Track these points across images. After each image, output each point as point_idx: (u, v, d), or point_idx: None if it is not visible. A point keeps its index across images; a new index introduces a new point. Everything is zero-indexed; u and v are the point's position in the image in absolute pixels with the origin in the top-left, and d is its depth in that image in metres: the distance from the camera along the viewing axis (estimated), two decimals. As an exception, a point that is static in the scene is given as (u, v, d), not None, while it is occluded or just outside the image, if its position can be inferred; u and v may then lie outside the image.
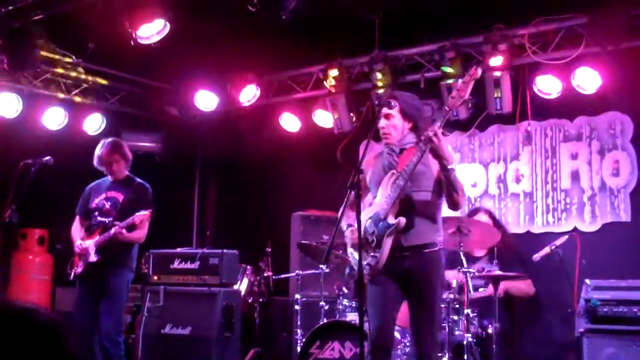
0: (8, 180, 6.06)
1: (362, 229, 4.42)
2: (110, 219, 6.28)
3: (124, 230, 6.09)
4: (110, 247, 6.18)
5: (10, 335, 1.11)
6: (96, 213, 6.39)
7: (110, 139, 6.61)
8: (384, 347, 4.46)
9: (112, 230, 6.12)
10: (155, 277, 7.38)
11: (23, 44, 7.27)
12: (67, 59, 8.15)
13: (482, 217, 6.75)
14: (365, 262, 4.39)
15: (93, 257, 6.19)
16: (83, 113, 8.74)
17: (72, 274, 6.33)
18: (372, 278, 4.49)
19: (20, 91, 8.19)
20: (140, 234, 6.30)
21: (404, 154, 4.56)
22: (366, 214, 4.58)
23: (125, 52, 7.23)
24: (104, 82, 8.79)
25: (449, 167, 4.33)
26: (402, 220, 4.39)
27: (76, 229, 6.52)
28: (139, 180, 6.50)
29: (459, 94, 4.38)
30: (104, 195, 6.44)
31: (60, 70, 8.32)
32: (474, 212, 7.03)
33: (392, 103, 4.60)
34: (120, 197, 6.38)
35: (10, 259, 7.56)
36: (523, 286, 6.51)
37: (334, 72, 7.99)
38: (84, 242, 6.27)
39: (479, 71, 4.52)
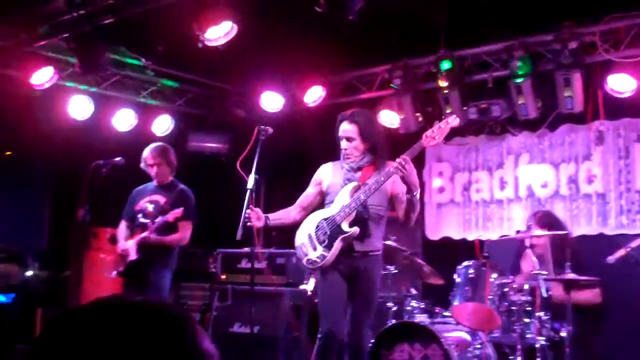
0: (80, 181, 6.21)
1: (315, 226, 5.25)
2: (154, 221, 6.47)
3: (152, 235, 6.32)
4: (150, 247, 6.38)
5: (142, 331, 1.12)
6: (140, 215, 6.60)
7: (158, 144, 6.82)
8: (339, 339, 5.06)
9: (141, 235, 6.35)
10: (224, 277, 7.46)
11: (93, 47, 7.42)
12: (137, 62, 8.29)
13: (536, 232, 6.48)
14: (314, 257, 5.17)
15: (133, 256, 6.40)
16: (152, 115, 8.89)
17: (115, 272, 6.55)
18: (323, 274, 5.19)
19: (91, 93, 8.36)
20: (177, 237, 6.46)
21: (362, 171, 5.28)
22: (320, 215, 5.30)
23: (193, 55, 7.31)
24: (172, 84, 8.92)
25: (415, 192, 5.02)
26: (357, 230, 5.07)
27: (121, 232, 6.75)
28: (182, 186, 6.67)
29: (434, 137, 5.02)
30: (147, 199, 6.65)
31: (129, 73, 8.48)
32: (529, 222, 6.71)
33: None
34: (162, 200, 6.56)
35: (82, 257, 7.74)
36: (589, 295, 6.31)
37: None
38: (126, 243, 6.50)
39: (457, 121, 5.17)
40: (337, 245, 5.08)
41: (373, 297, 5.20)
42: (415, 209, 5.12)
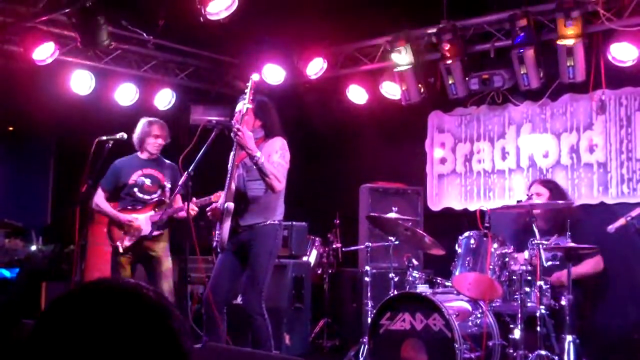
0: (83, 156, 6.24)
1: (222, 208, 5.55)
2: (154, 196, 6.55)
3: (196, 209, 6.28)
4: (165, 223, 6.47)
5: (118, 313, 1.16)
6: (135, 189, 6.59)
7: (156, 119, 6.80)
8: (212, 301, 5.48)
9: (175, 208, 6.44)
10: (227, 249, 7.49)
11: (94, 21, 7.40)
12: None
13: (538, 189, 6.59)
14: (215, 238, 5.56)
15: (148, 231, 6.44)
16: (153, 89, 8.88)
17: (120, 247, 6.51)
18: (221, 249, 5.58)
19: (93, 68, 8.36)
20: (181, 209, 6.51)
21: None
22: (223, 197, 5.61)
23: (194, 28, 7.29)
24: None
25: (253, 155, 5.28)
26: (231, 205, 5.45)
27: (103, 202, 6.65)
28: (167, 161, 6.71)
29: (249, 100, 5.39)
30: (140, 172, 6.62)
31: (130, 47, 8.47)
32: (531, 185, 6.89)
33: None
34: (160, 176, 6.62)
35: (87, 231, 7.78)
36: (589, 268, 6.37)
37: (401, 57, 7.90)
38: (131, 215, 6.52)
39: (257, 76, 5.71)
40: (226, 221, 5.47)
41: (256, 267, 5.49)
42: (264, 173, 5.35)
